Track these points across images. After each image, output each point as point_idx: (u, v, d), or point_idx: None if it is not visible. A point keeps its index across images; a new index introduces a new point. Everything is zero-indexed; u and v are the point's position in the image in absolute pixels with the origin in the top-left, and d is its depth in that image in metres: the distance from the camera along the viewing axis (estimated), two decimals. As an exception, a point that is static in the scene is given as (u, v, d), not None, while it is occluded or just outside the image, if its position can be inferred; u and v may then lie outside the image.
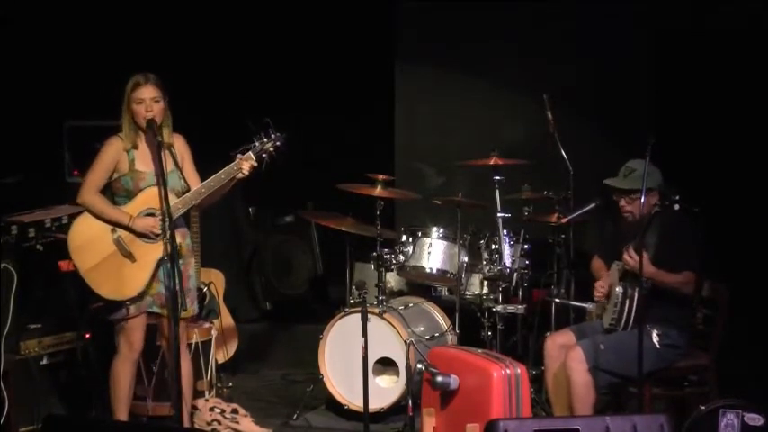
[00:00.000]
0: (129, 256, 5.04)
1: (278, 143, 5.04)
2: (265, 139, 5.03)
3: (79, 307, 5.44)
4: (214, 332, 6.15)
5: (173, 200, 4.97)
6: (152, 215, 5.03)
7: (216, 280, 6.51)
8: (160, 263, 5.02)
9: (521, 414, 4.81)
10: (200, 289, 6.28)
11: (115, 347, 5.22)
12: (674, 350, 5.24)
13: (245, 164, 4.99)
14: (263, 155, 5.03)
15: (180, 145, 5.19)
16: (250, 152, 5.01)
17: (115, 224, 5.04)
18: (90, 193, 5.06)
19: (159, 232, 4.95)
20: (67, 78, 7.14)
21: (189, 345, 5.72)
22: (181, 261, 5.08)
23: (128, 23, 7.43)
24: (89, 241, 5.05)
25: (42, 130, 7.04)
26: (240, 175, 5.01)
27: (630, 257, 5.10)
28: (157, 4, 7.50)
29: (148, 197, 5.04)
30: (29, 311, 5.54)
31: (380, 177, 6.19)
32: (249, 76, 7.95)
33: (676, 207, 4.80)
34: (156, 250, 5.01)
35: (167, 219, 4.72)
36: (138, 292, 5.04)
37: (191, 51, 7.64)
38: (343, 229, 6.37)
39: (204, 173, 5.11)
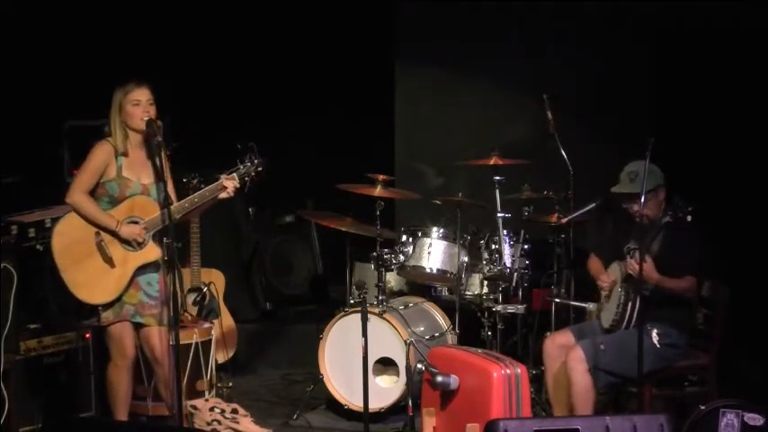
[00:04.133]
0: (109, 261, 5.03)
1: (260, 168, 5.20)
2: (248, 163, 5.18)
3: (79, 307, 5.43)
4: (214, 332, 6.15)
5: (155, 211, 4.99)
6: (135, 224, 5.03)
7: (216, 280, 6.51)
8: (138, 271, 5.03)
9: (521, 414, 4.82)
10: (199, 289, 6.29)
11: (108, 353, 5.21)
12: (674, 350, 5.24)
13: (229, 183, 5.11)
14: (246, 178, 5.17)
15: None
16: (235, 173, 5.13)
17: (101, 227, 5.02)
18: (79, 193, 5.05)
19: (142, 241, 5.00)
20: (67, 78, 7.13)
21: (184, 346, 5.72)
22: (160, 272, 5.08)
23: (128, 23, 7.42)
24: (72, 242, 5.03)
25: (42, 130, 7.02)
26: (224, 195, 5.11)
27: (633, 265, 5.08)
28: (158, 4, 7.49)
29: (134, 205, 5.05)
30: (29, 311, 5.54)
31: (380, 177, 6.19)
32: (249, 76, 7.93)
33: (689, 219, 4.79)
34: (135, 258, 5.03)
35: (168, 219, 4.72)
36: (111, 299, 5.02)
37: (191, 51, 7.63)
38: (343, 228, 6.37)
39: (206, 171, 5.18)
